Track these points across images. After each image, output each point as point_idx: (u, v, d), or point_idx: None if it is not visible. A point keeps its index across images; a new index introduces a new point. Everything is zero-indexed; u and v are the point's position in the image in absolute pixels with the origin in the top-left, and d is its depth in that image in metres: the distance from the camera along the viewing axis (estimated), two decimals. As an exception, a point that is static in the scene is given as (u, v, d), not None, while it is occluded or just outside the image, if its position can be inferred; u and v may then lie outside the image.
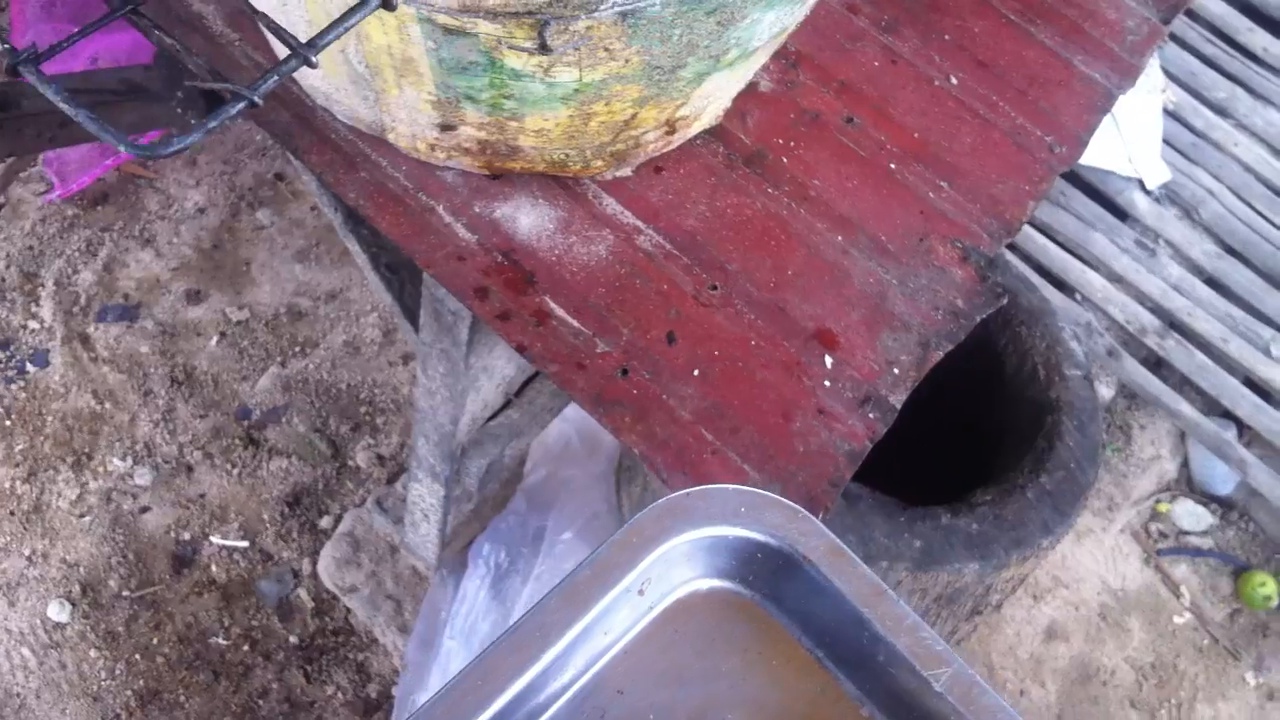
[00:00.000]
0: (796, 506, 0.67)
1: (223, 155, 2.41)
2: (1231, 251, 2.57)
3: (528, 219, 1.16)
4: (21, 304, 2.21)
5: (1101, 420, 1.64)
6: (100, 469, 2.09)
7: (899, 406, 1.14)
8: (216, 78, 0.61)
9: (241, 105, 0.60)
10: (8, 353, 2.16)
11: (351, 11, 0.62)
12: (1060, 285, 2.46)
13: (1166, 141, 2.63)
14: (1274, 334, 2.48)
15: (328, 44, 0.62)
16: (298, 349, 2.25)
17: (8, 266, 2.24)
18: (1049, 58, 1.31)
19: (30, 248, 2.27)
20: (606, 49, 0.95)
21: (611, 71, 0.99)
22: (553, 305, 1.13)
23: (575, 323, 1.12)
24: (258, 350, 2.24)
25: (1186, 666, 2.32)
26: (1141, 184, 2.58)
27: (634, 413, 1.09)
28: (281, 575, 2.05)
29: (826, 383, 1.13)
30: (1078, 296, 2.46)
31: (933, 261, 1.20)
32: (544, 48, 0.92)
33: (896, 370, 1.14)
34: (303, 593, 2.04)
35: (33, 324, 2.19)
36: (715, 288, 1.16)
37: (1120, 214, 2.56)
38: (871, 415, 1.12)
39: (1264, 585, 2.36)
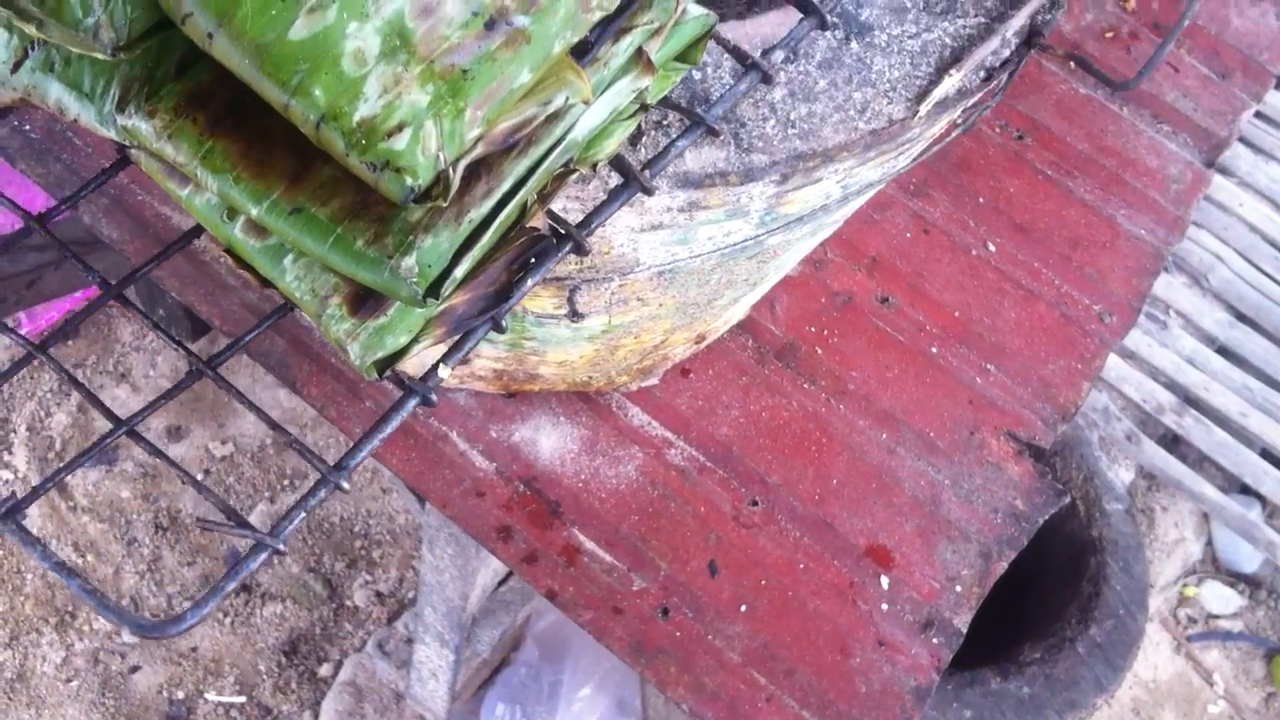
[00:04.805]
0: None
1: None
2: (1243, 318, 2.50)
3: (549, 441, 1.07)
4: (-7, 449, 2.11)
5: (1146, 557, 1.55)
6: (85, 628, 1.98)
7: (964, 630, 1.05)
8: (230, 514, 0.52)
9: (264, 556, 0.51)
10: (-19, 507, 2.05)
11: (382, 422, 0.53)
12: (1072, 367, 2.38)
13: (1170, 207, 2.56)
14: (1292, 403, 2.41)
15: (358, 463, 0.53)
16: (286, 482, 2.15)
17: (-25, 410, 2.13)
18: (1090, 216, 1.23)
19: (-1, 391, 2.16)
20: (640, 299, 0.86)
21: (644, 314, 0.90)
22: (582, 539, 1.03)
23: (608, 558, 1.03)
24: (244, 487, 2.13)
25: (1224, 758, 2.24)
26: (1148, 254, 2.50)
27: (679, 661, 1.00)
28: (282, 731, 1.95)
29: (884, 606, 1.04)
30: (1090, 377, 2.38)
31: (986, 458, 1.11)
32: (574, 314, 0.83)
33: (959, 587, 1.06)
34: (306, 749, 1.94)
35: (5, 474, 2.08)
36: (755, 503, 1.07)
37: (1128, 286, 2.48)
38: (935, 641, 1.03)
39: (1298, 668, 2.29)
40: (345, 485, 0.52)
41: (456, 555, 1.43)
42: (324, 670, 2.01)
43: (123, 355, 2.22)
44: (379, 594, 2.08)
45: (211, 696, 1.97)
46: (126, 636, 1.98)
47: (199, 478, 2.06)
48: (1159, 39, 1.34)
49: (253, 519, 2.10)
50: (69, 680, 1.95)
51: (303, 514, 0.52)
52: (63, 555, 1.99)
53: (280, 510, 2.12)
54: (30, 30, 0.51)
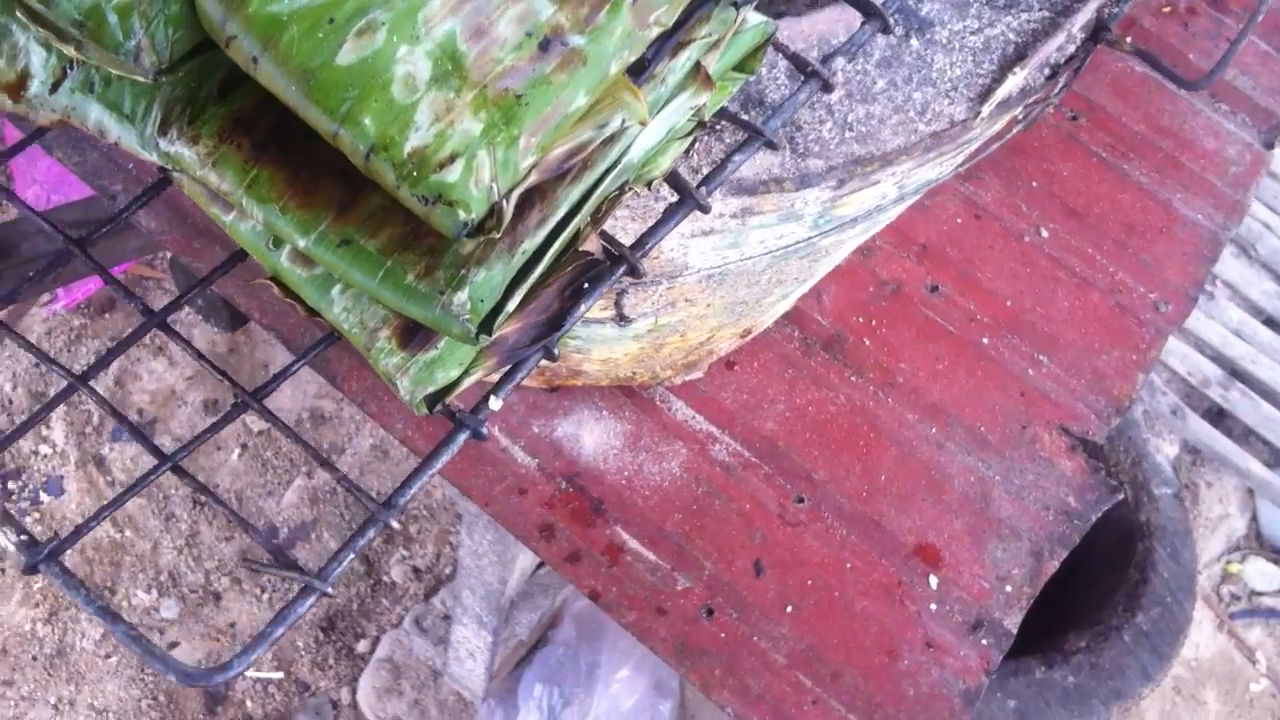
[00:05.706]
0: None
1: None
2: (1291, 290, 2.45)
3: (592, 436, 1.05)
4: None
5: (1194, 542, 1.53)
6: (124, 603, 1.99)
7: (1014, 631, 1.03)
8: (276, 554, 0.50)
9: (313, 599, 0.50)
10: (19, 482, 2.06)
11: (432, 457, 0.51)
12: (1116, 341, 2.35)
13: (1217, 176, 2.51)
14: (1340, 378, 2.36)
15: (408, 500, 0.51)
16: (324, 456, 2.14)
17: (14, 387, 2.13)
18: (1146, 200, 1.19)
19: (37, 365, 2.15)
20: (688, 300, 0.84)
21: (691, 314, 0.88)
22: (625, 537, 1.02)
23: (652, 556, 1.01)
24: (282, 461, 2.13)
25: (1266, 737, 2.22)
26: (1194, 225, 2.45)
27: (723, 663, 0.98)
28: (320, 707, 1.95)
29: (932, 606, 1.02)
30: (1134, 351, 2.34)
31: (1038, 453, 1.09)
32: (621, 318, 0.81)
33: (1009, 588, 1.04)
34: (344, 724, 1.95)
35: (44, 449, 2.08)
36: (801, 500, 1.05)
37: (1173, 258, 2.44)
38: (985, 643, 1.01)
39: (1342, 646, 2.26)
40: (394, 524, 0.51)
41: (495, 541, 1.42)
42: (361, 646, 2.01)
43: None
44: (416, 570, 2.07)
45: (250, 672, 1.97)
46: (166, 612, 1.99)
47: (236, 452, 2.06)
48: (1217, 13, 1.30)
49: (290, 494, 2.10)
50: (108, 656, 1.95)
51: (352, 555, 0.50)
52: (100, 531, 1.99)
53: (319, 485, 2.11)
54: (69, 51, 0.49)
